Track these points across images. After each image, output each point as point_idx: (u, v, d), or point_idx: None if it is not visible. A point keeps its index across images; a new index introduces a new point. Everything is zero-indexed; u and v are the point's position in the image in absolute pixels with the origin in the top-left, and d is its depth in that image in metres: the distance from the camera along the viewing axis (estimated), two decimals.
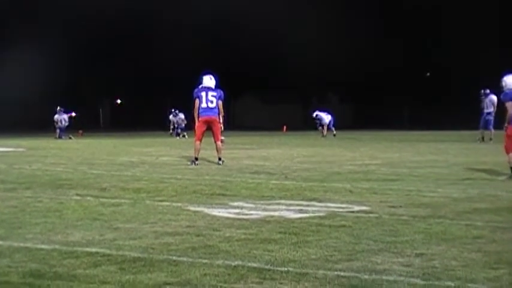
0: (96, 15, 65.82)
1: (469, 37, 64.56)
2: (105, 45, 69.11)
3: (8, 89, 60.92)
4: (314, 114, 43.77)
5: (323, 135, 41.51)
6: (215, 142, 18.62)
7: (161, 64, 67.58)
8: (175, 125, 44.74)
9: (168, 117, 45.68)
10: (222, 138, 18.92)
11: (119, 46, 70.39)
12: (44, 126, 55.13)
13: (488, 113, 31.52)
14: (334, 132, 42.39)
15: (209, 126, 18.56)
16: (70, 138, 41.01)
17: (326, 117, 43.01)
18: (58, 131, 43.16)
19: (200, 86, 18.66)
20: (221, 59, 67.72)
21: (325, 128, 42.50)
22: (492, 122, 31.21)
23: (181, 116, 44.54)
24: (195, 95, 18.56)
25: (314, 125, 44.32)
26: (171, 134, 45.09)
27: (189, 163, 18.44)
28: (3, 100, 61.13)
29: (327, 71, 67.57)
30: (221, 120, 18.69)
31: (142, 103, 72.35)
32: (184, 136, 42.52)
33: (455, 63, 64.93)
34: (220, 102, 18.51)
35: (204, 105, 18.31)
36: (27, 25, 63.83)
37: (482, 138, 30.83)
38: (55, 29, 64.55)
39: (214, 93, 18.46)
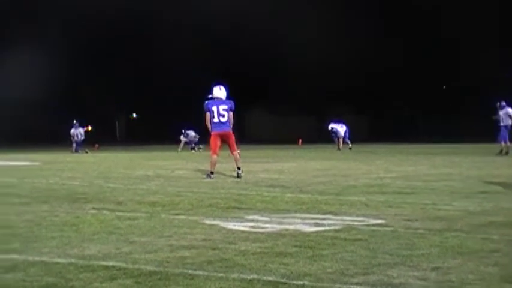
0: (96, 15, 65.46)
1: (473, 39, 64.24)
2: (106, 46, 68.89)
3: (7, 89, 60.36)
4: (329, 127, 43.74)
5: (338, 148, 41.47)
6: (232, 153, 18.67)
7: (161, 64, 67.45)
8: (189, 142, 44.48)
9: (181, 135, 45.39)
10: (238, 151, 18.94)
11: (119, 47, 70.12)
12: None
13: (505, 126, 31.40)
14: (350, 145, 42.35)
15: (224, 140, 18.59)
16: (86, 152, 41.16)
17: (341, 129, 42.98)
18: (74, 145, 43.30)
19: (210, 97, 18.65)
20: (221, 59, 67.76)
21: (341, 140, 42.46)
22: (507, 135, 31.13)
23: (192, 133, 44.43)
24: (205, 108, 18.54)
25: (330, 137, 44.24)
26: (179, 151, 44.35)
27: (204, 176, 18.44)
28: (3, 101, 60.60)
29: (332, 78, 66.94)
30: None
31: (157, 117, 71.76)
32: (200, 149, 42.51)
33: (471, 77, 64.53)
34: (231, 113, 18.51)
35: (216, 120, 18.35)
36: (27, 25, 63.51)
37: (501, 151, 30.72)
38: (55, 30, 64.44)
39: (225, 106, 18.47)
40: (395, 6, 69.09)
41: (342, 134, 42.82)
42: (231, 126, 18.59)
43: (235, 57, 69.65)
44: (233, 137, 18.68)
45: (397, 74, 68.10)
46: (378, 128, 66.84)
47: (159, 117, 69.86)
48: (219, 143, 18.58)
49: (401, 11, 68.78)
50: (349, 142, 42.69)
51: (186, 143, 44.11)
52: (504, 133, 31.32)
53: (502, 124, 31.58)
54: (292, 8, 68.65)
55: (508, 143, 30.83)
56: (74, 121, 44.86)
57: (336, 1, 68.23)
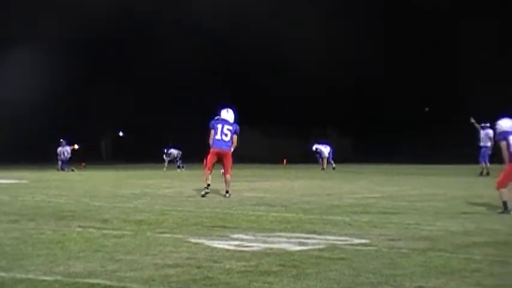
0: (81, 34, 64.01)
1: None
2: (92, 64, 66.78)
3: (7, 90, 58.59)
4: (314, 148, 43.86)
5: (323, 168, 41.53)
6: (224, 175, 18.63)
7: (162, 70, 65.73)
8: (172, 161, 44.23)
9: (163, 155, 45.09)
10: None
11: (105, 64, 67.74)
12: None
13: (485, 147, 31.56)
14: (334, 165, 42.42)
15: (220, 159, 18.58)
16: (72, 170, 40.95)
17: (325, 150, 43.12)
18: (60, 163, 43.16)
19: (217, 118, 18.71)
20: (221, 58, 66.62)
21: (325, 161, 42.56)
22: (487, 156, 31.27)
23: (174, 151, 44.28)
24: (211, 126, 18.62)
25: (315, 158, 44.30)
26: (165, 170, 43.84)
27: (202, 193, 18.30)
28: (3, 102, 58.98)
29: (317, 98, 66.07)
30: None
31: (143, 135, 70.52)
32: (183, 168, 42.36)
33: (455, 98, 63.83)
34: (235, 136, 18.55)
35: (218, 136, 18.36)
36: (27, 27, 61.74)
37: (481, 172, 30.84)
38: (54, 35, 62.66)
39: (230, 127, 18.50)
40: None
41: (326, 154, 42.95)
42: (232, 148, 18.60)
43: (235, 58, 67.73)
44: (230, 159, 18.64)
45: (380, 96, 67.11)
46: (362, 148, 66.37)
47: (144, 135, 68.78)
48: (214, 160, 18.58)
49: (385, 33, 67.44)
50: (332, 162, 42.78)
51: (170, 161, 44.03)
52: (484, 154, 31.48)
53: (481, 144, 31.77)
54: (292, 9, 66.30)
55: (488, 164, 30.95)
56: (61, 139, 44.76)
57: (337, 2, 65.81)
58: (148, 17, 65.85)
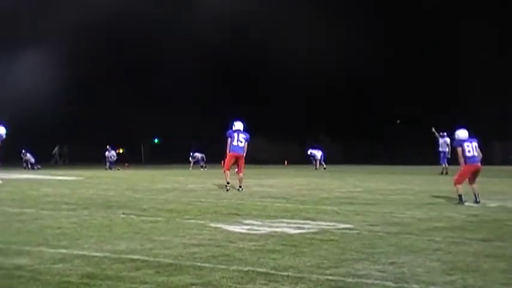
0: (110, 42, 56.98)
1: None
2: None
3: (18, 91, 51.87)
4: (308, 152, 43.64)
5: (316, 168, 41.35)
6: (238, 174, 18.69)
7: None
8: (197, 162, 44.05)
9: (190, 156, 44.94)
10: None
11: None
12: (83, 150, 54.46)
13: (443, 152, 31.55)
14: (325, 166, 42.17)
15: (236, 160, 18.68)
16: (118, 169, 40.91)
17: (318, 154, 42.90)
18: (108, 163, 43.13)
19: (233, 129, 18.78)
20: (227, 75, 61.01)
21: (317, 162, 42.37)
22: (446, 159, 31.25)
23: (199, 155, 44.24)
24: (228, 135, 18.71)
25: (309, 160, 44.06)
26: (191, 169, 43.42)
27: (224, 189, 18.27)
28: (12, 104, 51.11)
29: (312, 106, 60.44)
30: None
31: (173, 142, 68.79)
32: (205, 168, 42.32)
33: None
34: (246, 143, 18.67)
35: (235, 143, 18.48)
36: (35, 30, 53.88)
37: (442, 172, 30.77)
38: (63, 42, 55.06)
39: (244, 136, 18.66)
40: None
41: (319, 157, 42.72)
42: (245, 152, 18.72)
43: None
44: (243, 161, 18.81)
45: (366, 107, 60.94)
46: (351, 153, 63.68)
47: (176, 142, 67.64)
48: (232, 162, 18.69)
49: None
50: (324, 164, 42.54)
51: (194, 162, 43.93)
52: (443, 157, 31.49)
53: (441, 149, 31.81)
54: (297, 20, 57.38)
55: (447, 165, 30.89)
56: (108, 146, 44.61)
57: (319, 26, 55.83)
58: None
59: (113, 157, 43.72)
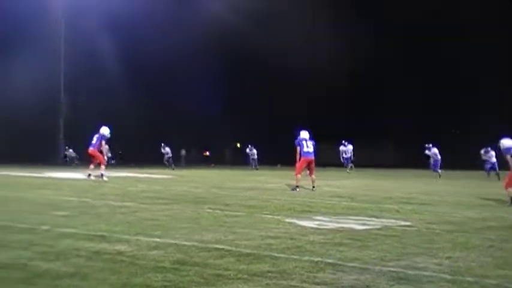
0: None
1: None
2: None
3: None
4: (340, 151, 38.12)
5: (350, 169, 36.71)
6: (311, 176, 18.60)
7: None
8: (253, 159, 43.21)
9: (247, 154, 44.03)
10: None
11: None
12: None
13: (435, 161, 31.71)
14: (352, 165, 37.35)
15: (308, 165, 18.58)
16: (173, 169, 38.65)
17: (347, 152, 37.52)
18: (167, 162, 41.07)
19: (301, 137, 18.66)
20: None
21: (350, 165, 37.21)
22: (439, 165, 31.45)
23: (254, 151, 43.37)
24: (297, 143, 18.59)
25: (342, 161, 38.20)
26: (252, 168, 42.13)
27: (291, 189, 17.94)
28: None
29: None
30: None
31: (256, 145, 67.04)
32: (256, 168, 41.20)
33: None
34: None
35: (305, 149, 18.39)
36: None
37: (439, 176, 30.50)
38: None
39: (312, 143, 18.61)
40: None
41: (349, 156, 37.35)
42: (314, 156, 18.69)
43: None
44: (314, 164, 18.70)
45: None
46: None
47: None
48: (304, 166, 18.55)
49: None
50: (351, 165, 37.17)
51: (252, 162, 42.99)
52: (436, 165, 31.72)
53: (433, 159, 31.90)
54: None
55: (439, 171, 30.96)
56: (162, 144, 41.73)
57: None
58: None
59: (169, 154, 41.78)
